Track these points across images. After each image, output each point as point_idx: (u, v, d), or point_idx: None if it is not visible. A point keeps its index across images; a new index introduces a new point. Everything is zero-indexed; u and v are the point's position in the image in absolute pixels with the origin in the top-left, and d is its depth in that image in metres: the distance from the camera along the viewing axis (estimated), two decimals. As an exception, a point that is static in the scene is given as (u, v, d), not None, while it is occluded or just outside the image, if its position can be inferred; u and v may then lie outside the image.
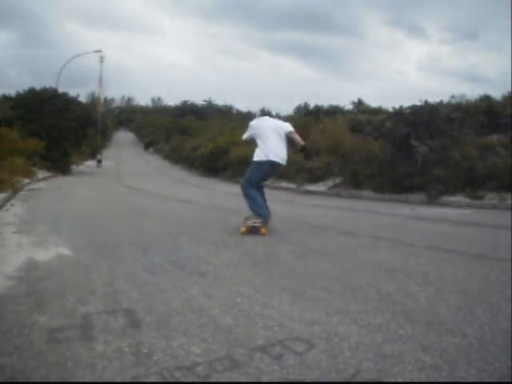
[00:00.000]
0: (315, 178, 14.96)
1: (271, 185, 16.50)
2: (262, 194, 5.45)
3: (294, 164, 15.69)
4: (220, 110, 72.80)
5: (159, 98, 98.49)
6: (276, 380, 1.67)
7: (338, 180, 13.94)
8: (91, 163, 33.99)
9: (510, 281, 3.08)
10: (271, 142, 5.16)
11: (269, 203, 5.41)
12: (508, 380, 1.70)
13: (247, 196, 5.26)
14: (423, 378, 1.69)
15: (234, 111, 74.94)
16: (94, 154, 36.39)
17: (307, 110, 30.53)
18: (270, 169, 5.27)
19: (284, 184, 15.93)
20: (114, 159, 40.35)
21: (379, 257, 3.94)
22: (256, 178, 5.30)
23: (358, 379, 1.68)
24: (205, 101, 74.71)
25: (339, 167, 13.88)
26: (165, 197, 11.39)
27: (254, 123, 5.44)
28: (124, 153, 49.21)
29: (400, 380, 1.68)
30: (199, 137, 30.76)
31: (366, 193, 12.27)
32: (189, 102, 73.49)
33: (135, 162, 38.16)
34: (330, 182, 14.29)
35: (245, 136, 5.55)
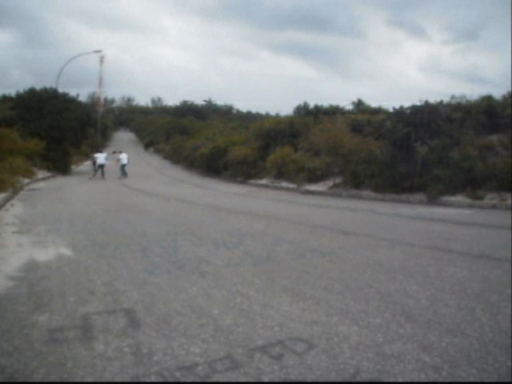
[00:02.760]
0: (315, 178, 14.94)
1: (271, 185, 16.53)
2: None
3: (293, 164, 15.80)
4: (220, 109, 72.60)
5: (159, 99, 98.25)
6: (276, 380, 1.67)
7: (338, 180, 13.94)
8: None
9: (509, 281, 3.08)
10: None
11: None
12: (508, 380, 1.70)
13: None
14: (423, 378, 1.69)
15: (234, 111, 74.79)
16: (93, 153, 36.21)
17: (307, 109, 30.40)
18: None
19: (284, 184, 15.93)
20: (113, 159, 40.25)
21: (379, 257, 3.94)
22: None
23: (358, 379, 1.68)
24: (205, 101, 74.68)
25: (339, 167, 13.87)
26: (165, 197, 11.39)
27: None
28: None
29: (400, 380, 1.68)
30: (199, 137, 30.65)
31: (366, 193, 12.27)
32: (189, 102, 73.17)
33: (135, 162, 37.95)
34: (329, 182, 14.28)
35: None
